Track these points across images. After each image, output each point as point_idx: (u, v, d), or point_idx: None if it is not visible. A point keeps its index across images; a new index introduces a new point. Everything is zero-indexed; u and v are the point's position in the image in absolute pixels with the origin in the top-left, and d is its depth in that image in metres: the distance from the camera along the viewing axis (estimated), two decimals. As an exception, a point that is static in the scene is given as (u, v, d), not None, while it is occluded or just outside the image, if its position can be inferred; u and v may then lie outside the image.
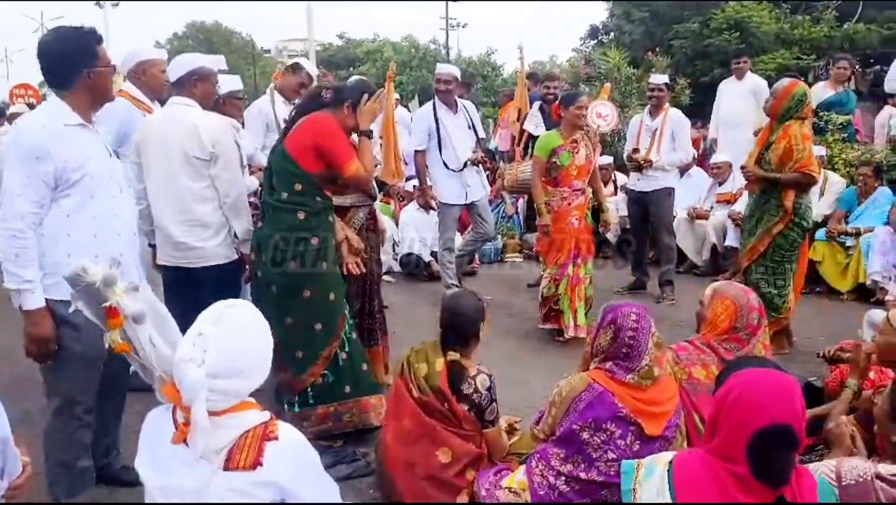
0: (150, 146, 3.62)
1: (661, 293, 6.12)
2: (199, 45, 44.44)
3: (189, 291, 3.49)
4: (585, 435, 2.36)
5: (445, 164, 5.71)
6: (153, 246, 3.81)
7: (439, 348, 2.84)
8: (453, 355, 2.76)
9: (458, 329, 2.81)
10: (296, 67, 5.25)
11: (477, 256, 7.31)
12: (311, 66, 5.45)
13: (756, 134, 4.87)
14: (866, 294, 5.85)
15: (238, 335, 1.78)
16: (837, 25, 15.93)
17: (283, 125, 4.77)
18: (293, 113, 3.54)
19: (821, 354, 3.93)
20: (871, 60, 16.74)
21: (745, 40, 15.59)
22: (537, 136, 6.06)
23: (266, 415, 1.82)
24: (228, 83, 4.47)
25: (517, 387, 3.96)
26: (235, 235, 3.70)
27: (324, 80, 6.83)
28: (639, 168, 6.00)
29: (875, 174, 6.05)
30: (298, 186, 3.29)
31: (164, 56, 4.31)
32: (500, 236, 7.97)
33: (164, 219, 3.63)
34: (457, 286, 5.90)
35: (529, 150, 6.31)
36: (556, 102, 5.18)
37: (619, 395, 2.39)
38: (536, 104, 6.68)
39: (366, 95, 3.47)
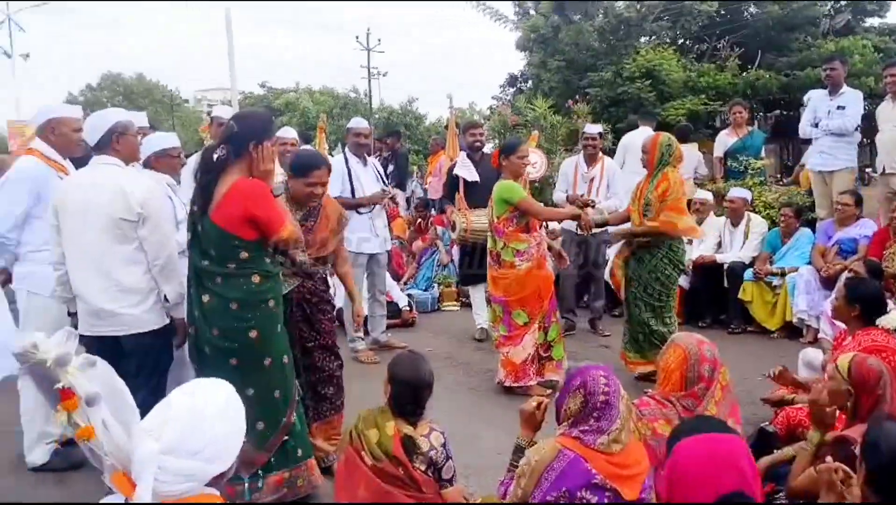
0: (71, 208, 3.39)
1: (593, 329, 6.40)
2: (116, 98, 43.47)
3: (116, 363, 3.19)
4: (561, 506, 2.25)
5: (358, 211, 5.71)
6: (73, 315, 3.55)
7: (388, 413, 2.72)
8: (407, 429, 2.66)
9: (419, 399, 2.71)
10: (213, 120, 5.14)
11: (414, 306, 7.21)
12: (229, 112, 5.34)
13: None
14: (794, 332, 6.04)
15: (205, 412, 1.63)
16: (740, 73, 16.90)
17: None
18: (199, 180, 3.14)
19: (764, 399, 4.00)
20: (772, 105, 17.83)
21: (656, 88, 16.33)
22: (473, 183, 6.06)
23: None
24: (162, 140, 4.23)
25: (469, 444, 3.83)
26: (166, 299, 3.49)
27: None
28: (585, 205, 6.01)
29: (796, 215, 6.32)
30: (244, 255, 3.05)
31: (78, 113, 4.06)
32: (436, 285, 7.91)
33: (86, 286, 3.41)
34: (361, 339, 5.83)
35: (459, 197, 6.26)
36: (497, 150, 5.10)
37: (592, 459, 2.29)
38: (463, 152, 6.71)
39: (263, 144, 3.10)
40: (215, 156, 3.08)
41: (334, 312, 4.01)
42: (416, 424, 2.70)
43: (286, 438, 3.22)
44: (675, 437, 2.10)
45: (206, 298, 3.06)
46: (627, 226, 5.19)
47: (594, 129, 6.63)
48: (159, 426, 1.59)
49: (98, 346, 3.37)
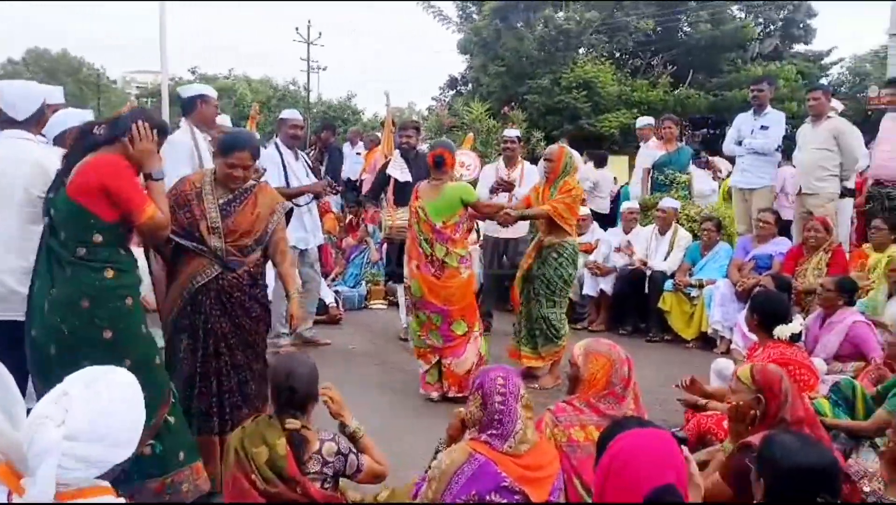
0: (-17, 183, 3.19)
1: None
2: (39, 74, 41.56)
3: (23, 350, 3.00)
4: (470, 509, 2.26)
5: (296, 204, 5.48)
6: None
7: (276, 425, 2.52)
8: (293, 423, 2.50)
9: (296, 394, 2.56)
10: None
11: (340, 303, 7.14)
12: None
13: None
14: (709, 342, 6.24)
15: (109, 397, 1.59)
16: (671, 90, 17.46)
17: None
18: (65, 158, 2.95)
19: (681, 400, 4.11)
20: (700, 124, 18.50)
21: (592, 99, 16.71)
22: (405, 182, 6.02)
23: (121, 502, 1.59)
24: (80, 116, 4.04)
25: (388, 444, 3.77)
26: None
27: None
28: (508, 189, 6.00)
29: (717, 229, 6.54)
30: (98, 238, 2.80)
31: None
32: (364, 282, 7.85)
33: (-5, 265, 3.20)
34: (287, 334, 5.58)
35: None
36: (434, 154, 4.99)
37: (502, 463, 2.32)
38: (397, 151, 6.68)
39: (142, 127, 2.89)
40: (95, 130, 2.93)
41: (264, 310, 3.61)
42: (304, 440, 2.51)
43: (153, 442, 2.94)
44: (609, 435, 2.13)
45: (54, 290, 2.82)
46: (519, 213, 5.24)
47: (512, 132, 6.75)
48: (60, 413, 1.53)
49: (2, 330, 3.21)
